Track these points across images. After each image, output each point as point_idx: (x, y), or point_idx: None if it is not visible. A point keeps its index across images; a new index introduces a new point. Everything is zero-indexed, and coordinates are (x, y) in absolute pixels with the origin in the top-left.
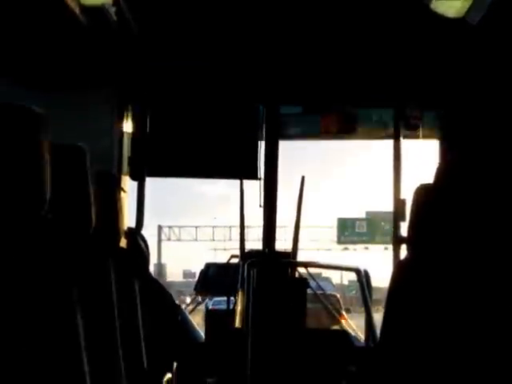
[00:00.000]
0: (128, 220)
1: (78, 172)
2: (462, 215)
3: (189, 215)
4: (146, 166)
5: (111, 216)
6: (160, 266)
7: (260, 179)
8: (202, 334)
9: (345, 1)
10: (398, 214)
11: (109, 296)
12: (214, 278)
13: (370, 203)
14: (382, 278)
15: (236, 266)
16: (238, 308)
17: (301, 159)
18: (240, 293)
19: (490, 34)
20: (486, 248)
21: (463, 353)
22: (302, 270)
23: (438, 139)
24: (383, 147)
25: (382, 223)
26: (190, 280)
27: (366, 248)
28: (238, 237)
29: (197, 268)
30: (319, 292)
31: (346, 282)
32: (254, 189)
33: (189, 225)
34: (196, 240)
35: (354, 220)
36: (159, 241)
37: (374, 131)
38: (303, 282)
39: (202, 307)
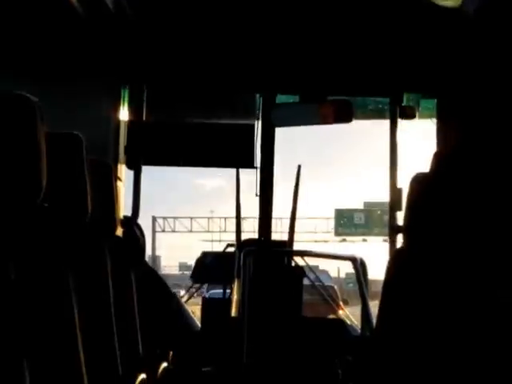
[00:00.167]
0: (124, 209)
1: (74, 160)
2: (459, 204)
3: (184, 208)
4: (142, 155)
5: (107, 205)
6: (154, 258)
7: (256, 168)
8: (198, 322)
9: None
10: (394, 203)
11: (105, 284)
12: (210, 267)
13: (368, 193)
14: (380, 270)
15: (232, 254)
16: (234, 297)
17: (297, 148)
18: (236, 281)
19: (486, 22)
20: (483, 237)
21: (458, 342)
22: (299, 262)
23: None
24: (384, 134)
25: (379, 212)
26: (187, 273)
27: (365, 240)
28: (233, 228)
29: (193, 260)
30: (317, 283)
31: (342, 275)
32: (249, 181)
33: (184, 216)
34: (191, 231)
35: (351, 211)
36: (153, 232)
37: (371, 114)
38: (300, 270)
39: (195, 299)
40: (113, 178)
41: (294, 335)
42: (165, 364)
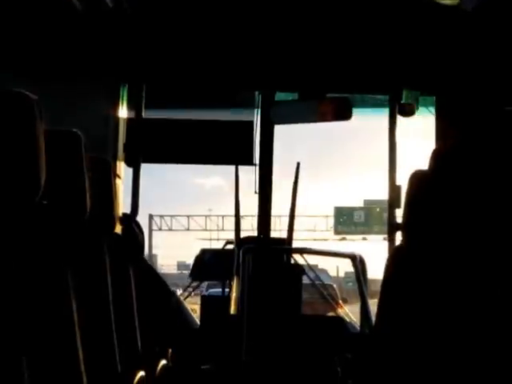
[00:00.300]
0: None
1: (73, 158)
2: (458, 202)
3: (182, 206)
4: (141, 152)
5: (106, 202)
6: (151, 257)
7: (255, 165)
8: (197, 320)
9: None
10: (393, 201)
11: (103, 282)
12: (209, 265)
13: (368, 191)
14: (380, 269)
15: (231, 252)
16: (233, 294)
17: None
18: (235, 279)
19: (485, 19)
20: (482, 234)
21: (457, 339)
22: (299, 260)
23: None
24: (384, 130)
25: (378, 209)
26: (185, 272)
27: (364, 238)
28: (231, 226)
29: (191, 260)
30: (316, 282)
31: (341, 274)
32: (248, 179)
33: (181, 214)
34: (188, 229)
35: (351, 209)
36: (150, 230)
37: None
38: (299, 268)
39: (192, 299)
40: (112, 175)
41: (293, 333)
42: (164, 361)
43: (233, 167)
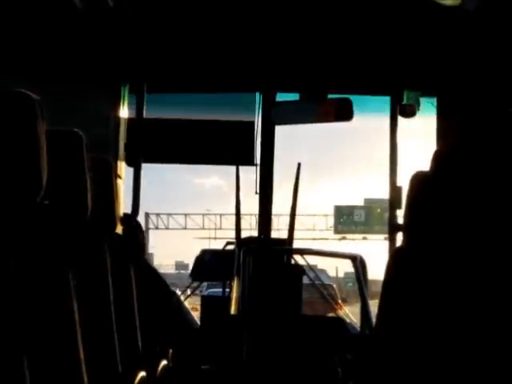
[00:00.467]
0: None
1: (74, 158)
2: (459, 202)
3: (180, 206)
4: (142, 152)
5: (107, 202)
6: (147, 256)
7: (256, 165)
8: (197, 320)
9: None
10: (394, 201)
11: (104, 282)
12: (209, 265)
13: (368, 190)
14: (380, 269)
15: (232, 252)
16: (234, 294)
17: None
18: (236, 279)
19: (487, 20)
20: (483, 235)
21: (458, 340)
22: (299, 260)
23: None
24: (385, 130)
25: (379, 210)
26: (183, 272)
27: (365, 238)
28: (229, 225)
29: (189, 259)
30: (316, 282)
31: (341, 275)
32: (248, 179)
33: (178, 212)
34: (185, 228)
35: (351, 208)
36: (146, 229)
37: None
38: (299, 268)
39: (192, 299)
40: (113, 175)
41: (293, 333)
42: (164, 362)
43: (232, 167)
